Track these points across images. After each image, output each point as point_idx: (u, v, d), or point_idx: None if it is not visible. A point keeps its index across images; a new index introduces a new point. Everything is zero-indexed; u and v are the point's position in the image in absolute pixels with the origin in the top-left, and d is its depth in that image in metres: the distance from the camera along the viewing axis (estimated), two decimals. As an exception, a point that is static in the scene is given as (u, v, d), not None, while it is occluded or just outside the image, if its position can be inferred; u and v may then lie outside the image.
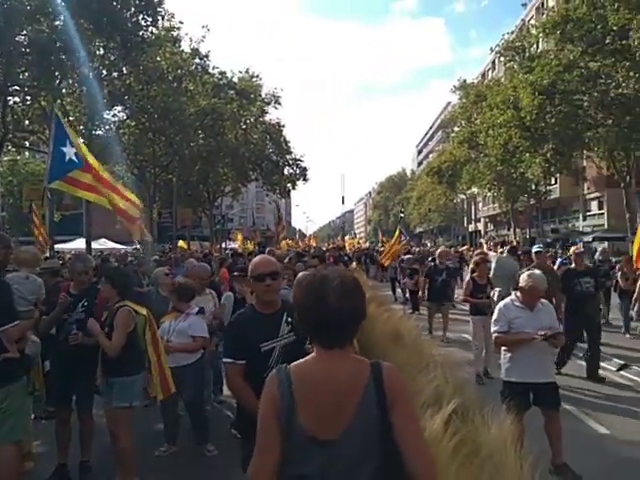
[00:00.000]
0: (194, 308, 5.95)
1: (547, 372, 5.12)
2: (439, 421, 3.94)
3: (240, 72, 36.72)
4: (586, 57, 27.22)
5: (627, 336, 11.74)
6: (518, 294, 5.24)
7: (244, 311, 3.71)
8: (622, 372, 8.96)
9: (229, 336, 3.61)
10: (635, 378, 8.55)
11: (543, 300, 5.23)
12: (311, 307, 1.92)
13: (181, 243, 34.40)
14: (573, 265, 9.33)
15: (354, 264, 27.11)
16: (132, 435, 4.97)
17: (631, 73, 24.68)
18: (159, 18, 22.81)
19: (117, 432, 4.91)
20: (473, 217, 67.31)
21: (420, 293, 13.70)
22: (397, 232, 25.24)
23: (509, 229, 50.34)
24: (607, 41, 24.92)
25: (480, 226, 66.47)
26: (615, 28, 22.75)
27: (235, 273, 7.31)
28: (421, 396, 4.65)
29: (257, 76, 37.06)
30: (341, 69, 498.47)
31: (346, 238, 72.50)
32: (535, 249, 10.02)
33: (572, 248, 12.40)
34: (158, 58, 26.45)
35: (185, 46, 29.79)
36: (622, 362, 9.26)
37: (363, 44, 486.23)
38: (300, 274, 5.23)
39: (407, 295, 17.99)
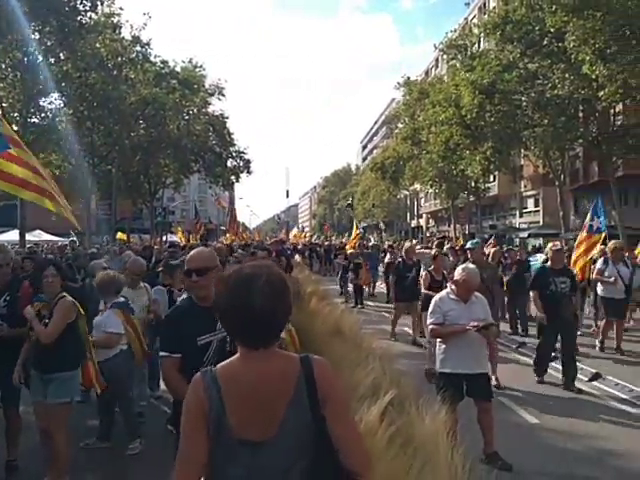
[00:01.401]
0: (119, 299, 5.83)
1: (480, 363, 5.25)
2: (375, 413, 4.00)
3: (183, 62, 36.11)
4: (525, 58, 28.03)
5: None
6: (453, 287, 5.36)
7: (181, 304, 3.65)
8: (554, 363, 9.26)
9: (165, 329, 3.55)
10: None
11: (477, 293, 5.36)
12: (235, 308, 1.84)
13: (120, 235, 33.58)
14: (549, 263, 8.68)
15: (297, 258, 27.19)
16: (66, 433, 4.82)
17: (566, 75, 25.52)
18: (98, 3, 22.13)
19: (51, 430, 4.74)
20: (416, 213, 68.41)
21: (391, 293, 13.36)
22: (355, 226, 25.94)
23: (449, 225, 51.40)
24: (544, 43, 25.75)
25: (422, 222, 67.66)
26: (552, 30, 23.47)
27: (159, 268, 7.22)
28: (359, 389, 4.72)
29: (201, 66, 36.52)
30: (310, 64, 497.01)
31: (294, 231, 72.44)
32: (468, 245, 10.12)
33: (549, 245, 11.63)
34: (97, 45, 25.67)
35: (126, 34, 28.99)
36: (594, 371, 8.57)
37: (315, 38, 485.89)
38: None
39: (349, 289, 18.14)
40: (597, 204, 11.93)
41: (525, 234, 40.24)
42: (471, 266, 5.47)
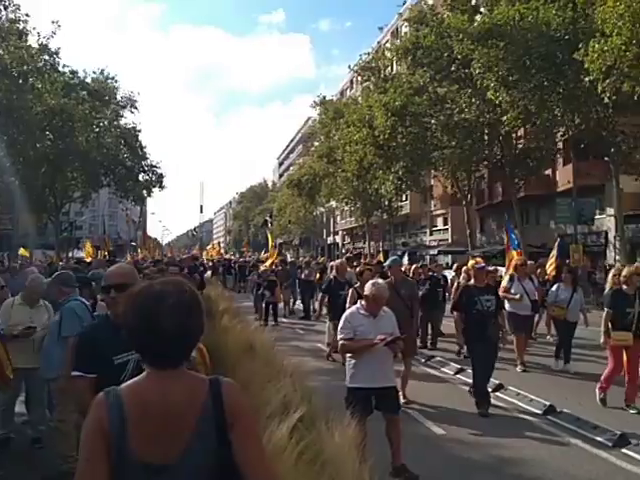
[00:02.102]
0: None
1: (387, 377, 5.35)
2: (284, 430, 3.98)
3: (94, 72, 35.07)
4: (434, 82, 29.26)
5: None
6: (363, 302, 5.45)
7: (96, 322, 3.52)
8: (460, 375, 9.60)
9: (78, 348, 3.38)
10: (470, 381, 9.17)
11: (385, 308, 5.48)
12: (142, 327, 1.76)
13: (22, 251, 31.88)
14: (472, 281, 8.36)
15: (209, 274, 26.78)
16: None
17: (473, 100, 26.87)
18: (1, 8, 21.15)
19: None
20: (332, 230, 69.29)
21: (318, 310, 13.29)
22: (270, 243, 26.11)
23: (364, 242, 52.39)
24: (452, 69, 26.96)
25: (338, 239, 68.58)
26: (459, 57, 24.63)
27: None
28: (269, 406, 4.68)
29: (113, 78, 35.59)
30: (209, 77, 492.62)
31: (208, 247, 71.31)
32: (388, 262, 9.77)
33: (470, 262, 11.82)
34: (0, 51, 24.47)
35: (33, 42, 27.83)
36: (497, 382, 8.68)
37: (232, 55, 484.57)
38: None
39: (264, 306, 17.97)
40: (508, 221, 12.66)
41: (435, 251, 41.64)
42: (380, 281, 5.59)
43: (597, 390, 7.86)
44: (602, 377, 7.86)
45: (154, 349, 1.78)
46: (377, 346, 5.17)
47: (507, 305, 10.34)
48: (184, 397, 1.78)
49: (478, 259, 11.13)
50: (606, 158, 24.39)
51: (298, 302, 20.27)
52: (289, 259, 30.58)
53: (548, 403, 7.51)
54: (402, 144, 30.39)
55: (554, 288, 10.62)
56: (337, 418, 4.25)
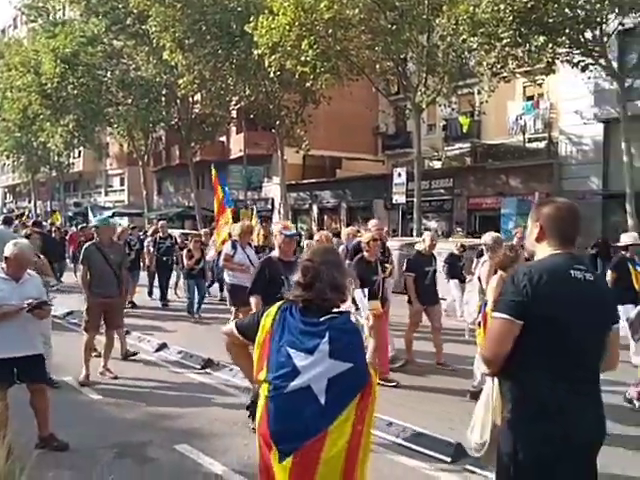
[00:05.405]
0: None
1: (32, 345, 4.93)
2: None
3: None
4: (110, 34, 27.78)
5: None
6: (3, 265, 4.89)
7: None
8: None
9: None
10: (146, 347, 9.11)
11: (30, 271, 5.02)
12: None
13: None
14: (276, 253, 6.07)
15: None
16: None
17: (150, 58, 26.29)
18: None
19: None
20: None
21: None
22: None
23: (30, 201, 47.73)
24: (128, 22, 25.91)
25: (-2, 197, 61.08)
26: (135, 11, 23.78)
27: None
28: None
29: None
30: None
31: None
32: (94, 223, 8.47)
33: (275, 227, 8.06)
34: None
35: None
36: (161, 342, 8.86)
37: None
38: None
39: None
40: (223, 177, 11.58)
41: (110, 213, 40.10)
42: (23, 241, 5.09)
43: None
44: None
45: None
46: (21, 312, 4.71)
47: (227, 276, 8.77)
48: None
49: (287, 223, 7.84)
50: (273, 130, 26.45)
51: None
52: None
53: (207, 357, 7.88)
54: (73, 95, 28.17)
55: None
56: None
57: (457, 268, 11.69)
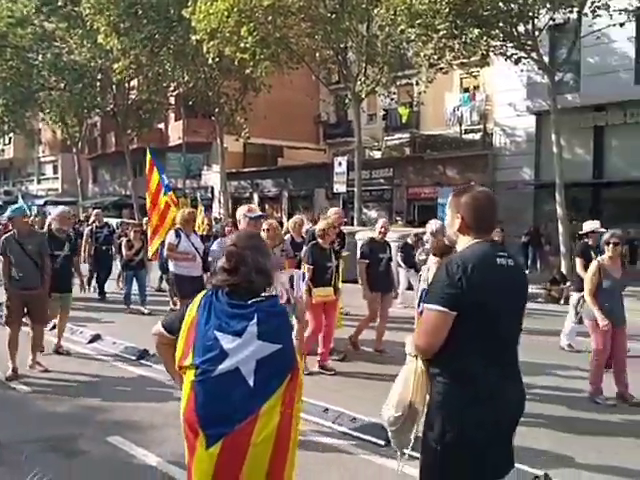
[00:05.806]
0: None
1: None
2: None
3: None
4: (41, 15, 26.67)
5: None
6: None
7: None
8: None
9: None
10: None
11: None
12: None
13: None
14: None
15: None
16: None
17: (84, 41, 25.35)
18: None
19: None
20: None
21: None
22: None
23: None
24: (60, 3, 24.93)
25: None
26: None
27: None
28: None
29: None
30: None
31: None
32: (8, 214, 7.76)
33: (240, 209, 7.24)
34: None
35: None
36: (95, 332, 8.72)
37: None
38: None
39: None
40: (161, 166, 10.95)
41: (42, 201, 38.68)
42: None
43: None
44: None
45: None
46: None
47: (172, 266, 8.34)
48: None
49: (251, 205, 7.39)
50: (212, 118, 26.07)
51: None
52: None
53: (142, 348, 7.73)
54: (1, 79, 26.96)
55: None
56: None
57: (412, 257, 11.69)
